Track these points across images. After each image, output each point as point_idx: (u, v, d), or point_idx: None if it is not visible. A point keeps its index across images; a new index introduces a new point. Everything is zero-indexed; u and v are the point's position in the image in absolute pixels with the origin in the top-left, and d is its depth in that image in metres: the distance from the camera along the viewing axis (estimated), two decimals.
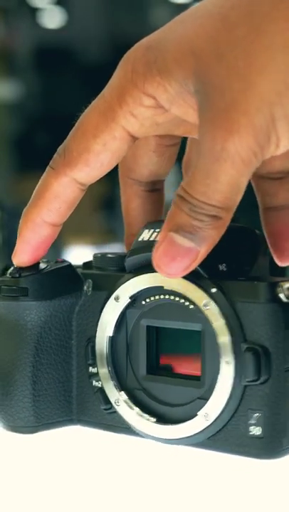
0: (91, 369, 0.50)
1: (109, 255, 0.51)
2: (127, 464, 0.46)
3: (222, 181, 0.40)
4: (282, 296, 0.44)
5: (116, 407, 0.49)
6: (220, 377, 0.45)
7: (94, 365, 0.50)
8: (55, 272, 0.50)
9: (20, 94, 3.87)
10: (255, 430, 0.44)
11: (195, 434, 0.46)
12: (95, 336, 0.50)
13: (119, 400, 0.48)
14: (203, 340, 0.46)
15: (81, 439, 0.50)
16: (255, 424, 0.44)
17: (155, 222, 0.48)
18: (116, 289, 0.49)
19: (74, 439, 0.50)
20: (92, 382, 0.50)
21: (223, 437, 0.45)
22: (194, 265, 0.42)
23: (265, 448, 0.44)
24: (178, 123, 0.47)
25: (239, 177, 0.41)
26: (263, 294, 0.44)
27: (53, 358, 0.50)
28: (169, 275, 0.43)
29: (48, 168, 0.48)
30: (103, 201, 3.42)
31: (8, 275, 0.50)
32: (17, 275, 0.50)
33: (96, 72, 3.87)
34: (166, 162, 0.50)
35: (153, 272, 0.45)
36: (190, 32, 0.42)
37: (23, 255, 0.50)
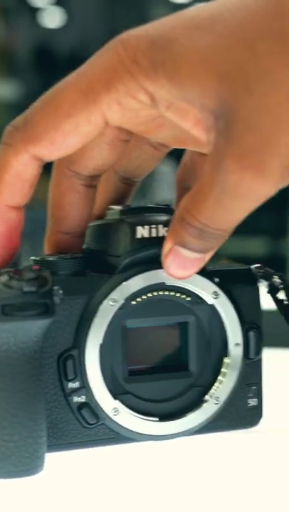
0: (71, 385, 0.46)
1: (52, 258, 0.47)
2: (140, 470, 0.45)
3: (239, 214, 0.41)
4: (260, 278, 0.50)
5: (113, 416, 0.46)
6: (230, 360, 0.48)
7: (75, 379, 0.46)
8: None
9: (20, 94, 3.87)
10: (253, 402, 0.50)
11: (204, 421, 0.48)
12: (72, 348, 0.45)
13: (118, 409, 0.46)
14: (191, 331, 0.48)
15: (78, 463, 0.46)
16: (252, 397, 0.50)
17: (143, 218, 0.47)
18: (110, 291, 0.46)
19: (71, 465, 0.46)
20: (71, 400, 0.46)
21: (222, 417, 0.49)
22: (201, 267, 0.44)
23: (259, 415, 0.50)
24: (151, 121, 0.44)
25: (254, 208, 0.41)
26: (251, 278, 0.49)
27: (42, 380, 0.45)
28: (180, 279, 0.44)
29: (1, 145, 0.44)
30: None
31: (14, 289, 0.42)
32: (34, 289, 0.43)
33: None
34: (114, 157, 0.47)
35: (154, 270, 0.46)
36: (213, 51, 0.40)
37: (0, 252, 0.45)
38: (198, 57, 0.40)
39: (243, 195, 0.40)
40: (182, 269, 0.43)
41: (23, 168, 0.44)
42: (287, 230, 3.63)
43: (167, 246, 0.43)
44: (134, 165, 0.50)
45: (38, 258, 0.47)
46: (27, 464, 0.43)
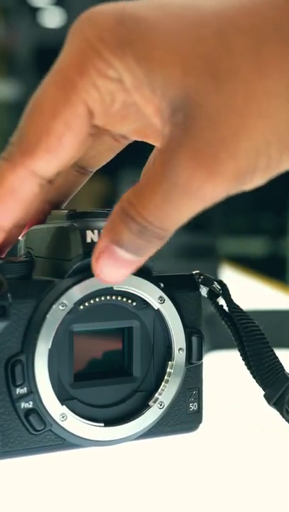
0: (18, 390, 0.45)
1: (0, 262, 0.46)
2: (91, 476, 0.44)
3: (185, 213, 0.39)
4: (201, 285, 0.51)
5: (61, 422, 0.45)
6: (174, 365, 0.49)
7: (23, 385, 0.45)
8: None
9: (20, 94, 3.87)
10: (193, 406, 0.50)
11: (148, 425, 0.48)
12: (21, 353, 0.45)
13: (65, 414, 0.45)
14: (135, 336, 0.48)
15: (22, 469, 0.45)
16: (193, 401, 0.50)
17: (92, 223, 0.46)
18: (60, 295, 0.45)
19: (15, 471, 0.45)
20: (19, 406, 0.45)
21: (164, 422, 0.49)
22: (133, 272, 0.42)
23: (199, 420, 0.51)
24: (123, 108, 0.41)
25: (201, 209, 0.39)
26: (193, 284, 0.50)
27: None
28: (108, 282, 0.42)
29: None
30: (104, 201, 3.42)
31: None
32: None
33: None
34: (81, 151, 0.44)
35: None
36: (184, 40, 0.38)
37: None
38: (167, 43, 0.38)
39: (193, 194, 0.38)
40: (112, 271, 0.41)
41: (19, 184, 0.41)
42: (287, 230, 3.63)
43: (101, 243, 0.40)
44: (90, 154, 0.48)
45: None
46: None
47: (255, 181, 0.39)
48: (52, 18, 4.06)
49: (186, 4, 0.39)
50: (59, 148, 0.41)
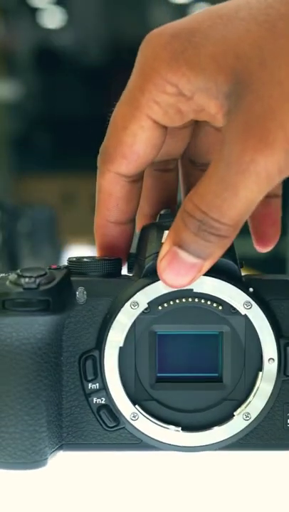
0: (91, 385, 0.46)
1: (86, 259, 0.47)
2: (154, 479, 0.45)
3: (241, 196, 0.39)
4: None
5: (132, 421, 0.45)
6: (264, 376, 0.46)
7: (95, 380, 0.46)
8: (65, 281, 0.46)
9: (20, 94, 3.87)
10: None
11: (231, 437, 0.46)
12: (94, 349, 0.46)
13: (137, 414, 0.45)
14: (225, 342, 0.46)
15: (95, 464, 0.46)
16: None
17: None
18: (132, 295, 0.45)
19: (87, 465, 0.46)
20: (91, 401, 0.46)
21: (256, 435, 0.47)
22: (198, 277, 0.42)
23: None
24: (200, 109, 0.44)
25: (258, 194, 0.40)
26: None
27: (52, 378, 0.46)
28: (173, 287, 0.43)
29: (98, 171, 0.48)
30: None
31: (17, 286, 0.44)
32: (34, 286, 0.44)
33: (96, 72, 3.88)
34: (180, 143, 0.49)
35: None
36: (234, 35, 0.41)
37: None
38: (218, 40, 0.41)
39: (246, 169, 0.39)
40: (175, 274, 0.42)
41: (111, 186, 0.47)
42: (287, 230, 3.63)
43: (165, 246, 0.42)
44: (203, 149, 0.50)
45: (73, 258, 0.48)
46: (23, 458, 0.44)
47: None
48: (52, 18, 4.06)
49: (239, 5, 0.42)
50: (132, 154, 0.45)
